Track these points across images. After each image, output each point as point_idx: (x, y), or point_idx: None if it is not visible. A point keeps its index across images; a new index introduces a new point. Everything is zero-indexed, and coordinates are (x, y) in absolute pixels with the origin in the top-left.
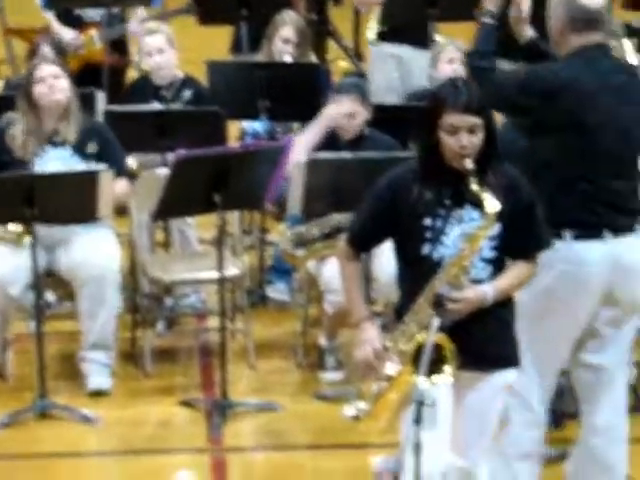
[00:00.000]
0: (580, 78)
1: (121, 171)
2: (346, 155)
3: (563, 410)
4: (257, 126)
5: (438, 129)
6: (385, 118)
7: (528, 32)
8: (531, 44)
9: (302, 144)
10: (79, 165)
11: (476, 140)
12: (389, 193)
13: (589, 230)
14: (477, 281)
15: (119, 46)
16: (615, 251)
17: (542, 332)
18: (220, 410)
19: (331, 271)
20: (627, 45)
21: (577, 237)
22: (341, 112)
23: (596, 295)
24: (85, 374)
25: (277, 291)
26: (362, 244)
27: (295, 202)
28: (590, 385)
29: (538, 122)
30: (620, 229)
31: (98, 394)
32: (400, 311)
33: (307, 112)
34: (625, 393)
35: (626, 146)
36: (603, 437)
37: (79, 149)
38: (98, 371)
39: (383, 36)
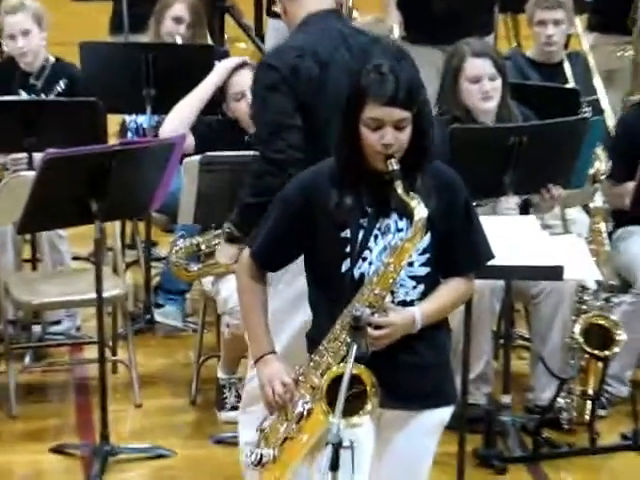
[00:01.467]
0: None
1: None
2: (248, 154)
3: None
4: (141, 120)
5: (359, 123)
6: None
7: None
8: None
9: (182, 112)
10: None
11: (402, 136)
12: (300, 198)
13: None
14: (406, 303)
15: None
16: None
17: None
18: (100, 457)
19: (231, 289)
20: (577, 22)
21: None
22: (236, 63)
23: None
24: None
25: (167, 315)
26: (267, 260)
27: (187, 209)
28: None
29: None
30: None
31: None
32: (313, 339)
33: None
34: None
35: None
36: None
37: None
38: None
39: None
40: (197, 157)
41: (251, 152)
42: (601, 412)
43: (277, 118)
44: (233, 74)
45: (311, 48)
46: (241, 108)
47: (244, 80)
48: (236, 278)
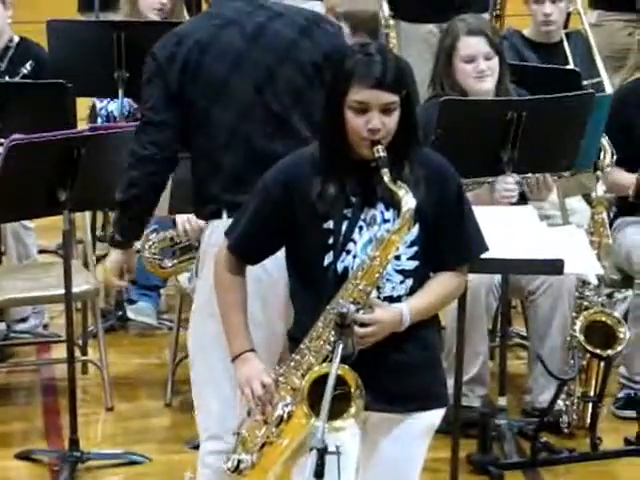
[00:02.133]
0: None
1: None
2: None
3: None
4: (112, 107)
5: (343, 107)
6: None
7: None
8: None
9: None
10: None
11: (390, 122)
12: (280, 187)
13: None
14: (393, 299)
15: None
16: None
17: None
18: (69, 464)
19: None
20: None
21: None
22: None
23: None
24: None
25: (140, 312)
26: (246, 252)
27: (161, 199)
28: None
29: None
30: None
31: None
32: (294, 337)
33: None
34: None
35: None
36: None
37: None
38: None
39: None
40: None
41: None
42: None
43: (147, 113)
44: None
45: (194, 32)
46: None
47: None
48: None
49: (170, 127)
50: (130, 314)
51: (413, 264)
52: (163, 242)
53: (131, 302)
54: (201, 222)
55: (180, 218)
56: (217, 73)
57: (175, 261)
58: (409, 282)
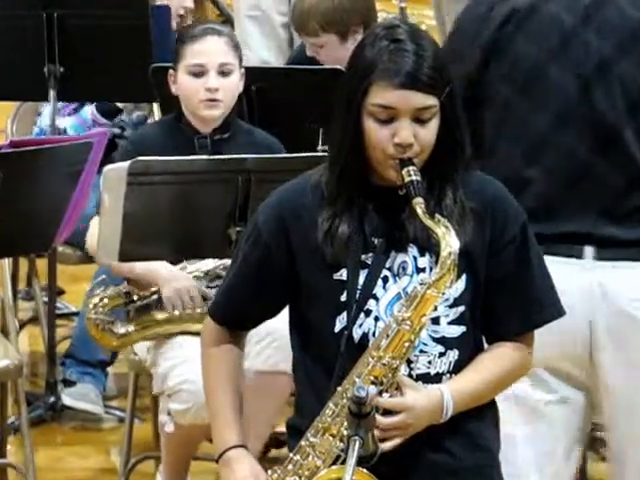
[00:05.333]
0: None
1: None
2: (199, 159)
3: None
4: (67, 123)
5: (361, 114)
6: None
7: None
8: None
9: None
10: None
11: (426, 133)
12: (274, 225)
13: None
14: (430, 378)
15: None
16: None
17: None
18: None
19: (176, 360)
20: None
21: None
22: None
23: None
24: None
25: (81, 397)
26: (234, 316)
27: (110, 241)
28: None
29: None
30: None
31: None
32: (295, 428)
33: (133, 80)
34: None
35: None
36: None
37: None
38: None
39: None
40: (123, 164)
41: (204, 157)
42: None
43: None
44: (192, 41)
45: None
46: (195, 88)
47: (209, 49)
48: (200, 348)
49: None
50: (66, 400)
51: (457, 330)
52: (116, 299)
53: (68, 383)
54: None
55: (168, 280)
56: (530, 56)
57: (131, 327)
58: (452, 355)
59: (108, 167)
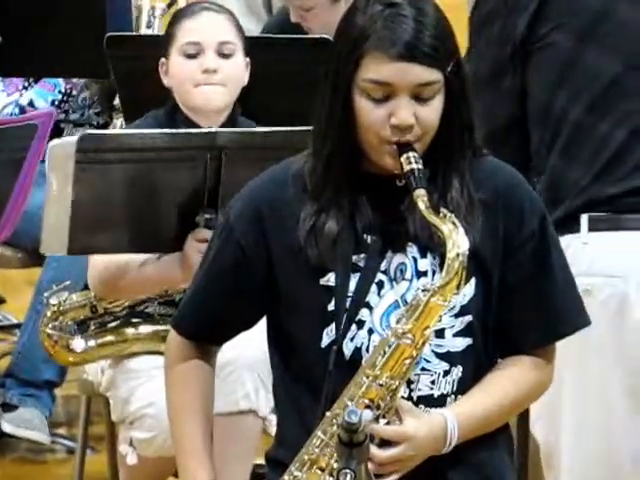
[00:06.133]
0: None
1: None
2: (160, 132)
3: None
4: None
5: (352, 91)
6: None
7: None
8: None
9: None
10: None
11: (429, 113)
12: (248, 221)
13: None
14: (432, 401)
15: None
16: None
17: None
18: None
19: (137, 381)
20: None
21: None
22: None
23: None
24: None
25: (23, 423)
26: (203, 328)
27: (56, 230)
28: None
29: None
30: None
31: None
32: (276, 460)
33: (85, 52)
34: None
35: None
36: None
37: None
38: None
39: None
40: (71, 138)
41: (167, 130)
42: None
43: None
44: (185, 18)
45: None
46: (190, 72)
47: (206, 25)
48: (164, 367)
49: None
50: (6, 427)
51: (462, 343)
52: (78, 311)
53: (8, 408)
54: None
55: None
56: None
57: (92, 342)
58: (457, 372)
59: (53, 142)
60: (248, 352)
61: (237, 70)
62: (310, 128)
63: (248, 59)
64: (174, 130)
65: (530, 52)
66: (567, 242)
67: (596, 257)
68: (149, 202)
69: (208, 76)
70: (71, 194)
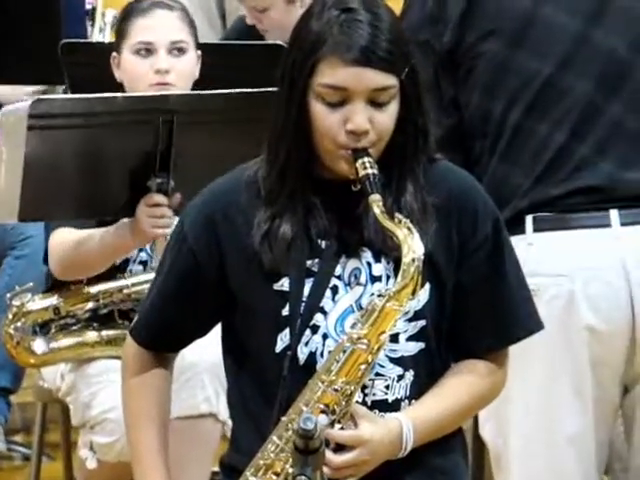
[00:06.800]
0: None
1: None
2: (111, 96)
3: None
4: None
5: (307, 96)
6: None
7: None
8: None
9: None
10: None
11: (384, 119)
12: (202, 227)
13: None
14: (387, 405)
15: None
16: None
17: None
18: None
19: (98, 385)
20: None
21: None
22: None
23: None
24: None
25: None
26: (159, 336)
27: (8, 196)
28: None
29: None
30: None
31: None
32: (230, 466)
33: (39, 58)
34: None
35: None
36: None
37: None
38: None
39: None
40: (23, 104)
41: (118, 94)
42: None
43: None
44: (137, 15)
45: None
46: (142, 71)
47: (158, 24)
48: (121, 375)
49: None
50: None
51: (417, 347)
52: (40, 313)
53: None
54: None
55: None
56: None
57: (54, 344)
58: (411, 377)
59: (5, 109)
60: (208, 356)
61: (189, 67)
62: (262, 90)
63: (199, 52)
64: (126, 94)
65: (459, 63)
66: (513, 243)
67: (541, 257)
68: (101, 167)
69: (160, 76)
70: (22, 159)
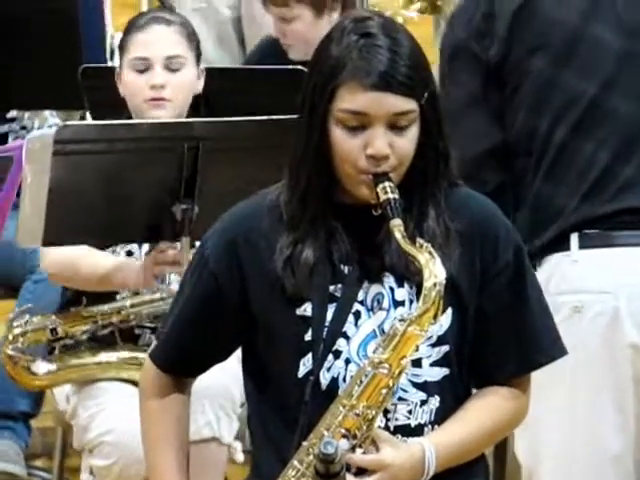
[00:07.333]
0: None
1: None
2: (138, 122)
3: None
4: None
5: (328, 121)
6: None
7: None
8: None
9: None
10: None
11: (404, 144)
12: (224, 253)
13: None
14: (410, 430)
15: None
16: None
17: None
18: None
19: (97, 407)
20: None
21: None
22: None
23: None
24: None
25: None
26: (179, 361)
27: (31, 221)
28: None
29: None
30: None
31: None
32: None
33: (60, 84)
34: None
35: None
36: None
37: None
38: None
39: None
40: (49, 130)
41: (144, 120)
42: None
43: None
44: (136, 31)
45: None
46: (139, 86)
47: (154, 39)
48: (139, 400)
49: None
50: None
51: (439, 373)
52: (38, 333)
53: None
54: None
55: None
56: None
57: (53, 366)
58: (435, 402)
59: (31, 135)
60: (207, 382)
61: (187, 82)
62: (289, 117)
63: (202, 67)
64: (151, 120)
65: (505, 81)
66: (557, 260)
67: (586, 274)
68: (125, 192)
69: (156, 91)
70: (47, 185)
